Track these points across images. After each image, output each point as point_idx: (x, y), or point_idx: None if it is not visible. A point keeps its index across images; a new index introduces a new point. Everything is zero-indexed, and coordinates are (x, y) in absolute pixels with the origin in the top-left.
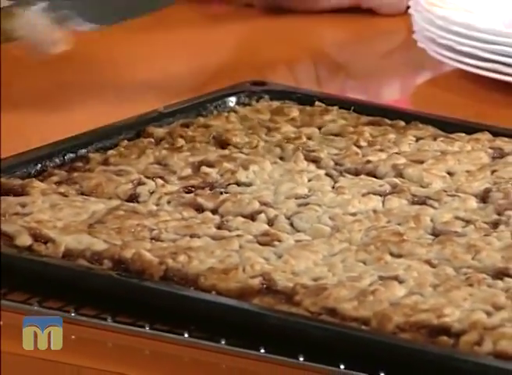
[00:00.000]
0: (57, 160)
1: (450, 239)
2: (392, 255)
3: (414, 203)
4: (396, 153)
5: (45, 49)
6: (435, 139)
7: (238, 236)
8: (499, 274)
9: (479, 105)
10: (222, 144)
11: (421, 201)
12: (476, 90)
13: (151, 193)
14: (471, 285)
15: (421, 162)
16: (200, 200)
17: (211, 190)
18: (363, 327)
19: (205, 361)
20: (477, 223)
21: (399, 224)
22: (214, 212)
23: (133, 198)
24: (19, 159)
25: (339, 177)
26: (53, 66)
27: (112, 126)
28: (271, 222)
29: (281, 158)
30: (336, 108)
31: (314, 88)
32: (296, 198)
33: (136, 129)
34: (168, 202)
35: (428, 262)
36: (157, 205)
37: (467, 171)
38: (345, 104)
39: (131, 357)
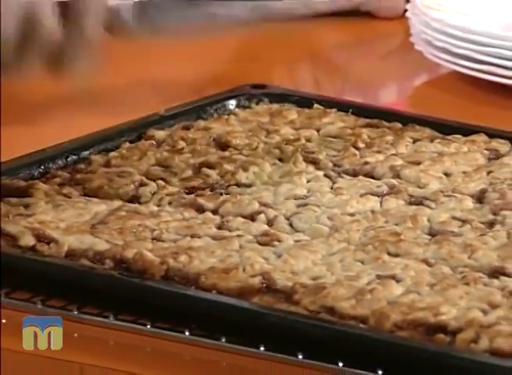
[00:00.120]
0: (60, 162)
1: (447, 239)
2: (389, 254)
3: (411, 203)
4: (394, 154)
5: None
6: (431, 141)
7: (238, 236)
8: (495, 273)
9: (475, 106)
10: (223, 146)
11: (418, 202)
12: (472, 92)
13: (153, 194)
14: (467, 284)
15: (418, 164)
16: (200, 201)
17: (211, 191)
18: (361, 325)
19: (206, 359)
20: (473, 222)
21: (396, 224)
22: (214, 212)
23: (134, 199)
24: (22, 161)
25: (338, 178)
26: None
27: (113, 129)
28: (270, 222)
29: (280, 160)
30: (334, 110)
31: (312, 91)
32: (295, 199)
33: (138, 131)
34: (170, 203)
35: (425, 262)
36: (158, 205)
37: (464, 172)
38: (343, 106)
39: (133, 355)
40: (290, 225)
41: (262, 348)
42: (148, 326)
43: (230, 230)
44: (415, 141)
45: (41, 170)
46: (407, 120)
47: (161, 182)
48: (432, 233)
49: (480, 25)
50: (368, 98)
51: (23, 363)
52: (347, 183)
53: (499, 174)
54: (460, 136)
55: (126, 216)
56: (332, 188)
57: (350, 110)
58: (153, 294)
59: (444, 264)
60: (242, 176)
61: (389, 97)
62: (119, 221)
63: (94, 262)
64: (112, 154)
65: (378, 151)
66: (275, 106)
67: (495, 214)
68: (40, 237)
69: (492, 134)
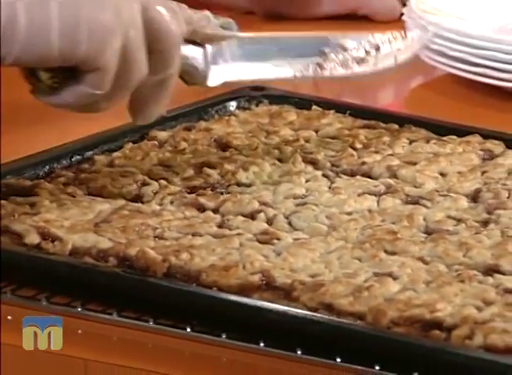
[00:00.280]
0: (64, 162)
1: (442, 237)
2: (386, 252)
3: (407, 203)
4: (391, 155)
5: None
6: (427, 141)
7: (238, 234)
8: (489, 271)
9: (470, 108)
10: (223, 146)
11: (415, 201)
12: (467, 94)
13: (155, 193)
14: (462, 281)
15: (415, 164)
16: (201, 200)
17: (212, 190)
18: (358, 322)
19: (207, 354)
20: (468, 221)
21: (393, 223)
22: (215, 211)
23: (137, 198)
24: (27, 162)
25: (336, 178)
26: None
27: (117, 130)
28: (270, 221)
29: (279, 160)
30: (332, 112)
31: (311, 93)
32: (294, 198)
33: (141, 132)
34: (171, 202)
35: (421, 259)
36: (160, 204)
37: (459, 172)
38: (341, 108)
39: (135, 350)
40: (289, 224)
41: (262, 344)
42: (151, 323)
43: (230, 229)
44: (411, 141)
45: (46, 170)
46: (403, 122)
47: (163, 182)
48: (428, 232)
49: (475, 28)
50: (365, 100)
51: (27, 359)
52: (345, 182)
53: (494, 174)
54: (455, 137)
55: (129, 215)
56: (330, 188)
57: (348, 112)
58: (155, 291)
59: (440, 262)
60: (242, 176)
61: (385, 99)
62: (122, 220)
63: (98, 260)
64: (116, 154)
65: (376, 152)
66: (275, 108)
67: (489, 213)
68: (45, 236)
69: (487, 135)
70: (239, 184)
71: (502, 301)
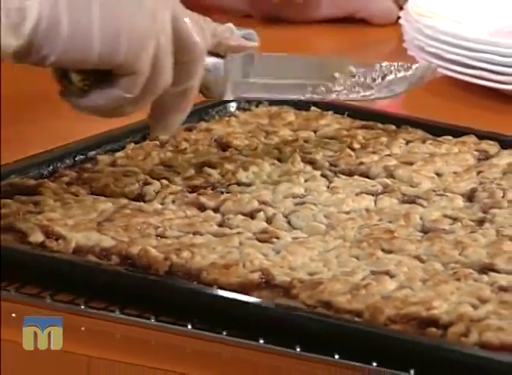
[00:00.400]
0: (67, 162)
1: (438, 236)
2: (383, 251)
3: (404, 202)
4: (388, 155)
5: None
6: (424, 142)
7: (238, 233)
8: (485, 269)
9: (466, 109)
10: (223, 146)
11: (411, 201)
12: (463, 95)
13: (157, 193)
14: (458, 279)
15: (411, 164)
16: (202, 199)
17: (212, 190)
18: (356, 319)
19: (208, 351)
20: (463, 220)
21: (390, 222)
22: (215, 210)
23: (139, 197)
24: (31, 161)
25: (334, 178)
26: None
27: (119, 130)
28: (269, 220)
29: (279, 160)
30: (330, 112)
31: None
32: (293, 198)
33: (143, 132)
34: (173, 201)
35: (418, 258)
36: (162, 204)
37: (455, 172)
38: (339, 109)
39: (138, 347)
40: (288, 223)
41: (261, 341)
42: (153, 320)
43: (231, 228)
44: (408, 142)
45: (50, 170)
46: (400, 122)
47: (164, 181)
48: (424, 231)
49: (471, 31)
50: (362, 101)
51: (30, 356)
52: (343, 182)
53: (489, 174)
54: (451, 137)
55: (131, 214)
56: (328, 187)
57: (346, 113)
58: (157, 289)
59: (436, 260)
60: (242, 176)
61: (383, 100)
62: (124, 218)
63: (101, 258)
64: (118, 154)
65: (373, 152)
66: (274, 108)
67: (484, 212)
68: (49, 234)
69: (482, 136)
70: (239, 184)
71: (497, 299)
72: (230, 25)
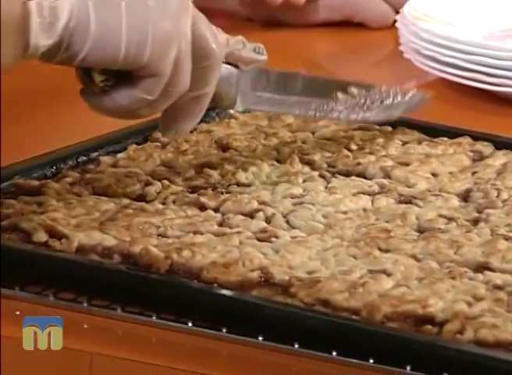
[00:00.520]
0: (70, 163)
1: (434, 235)
2: (380, 250)
3: (400, 202)
4: (384, 156)
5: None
6: (419, 143)
7: (238, 233)
8: (480, 268)
9: (461, 111)
10: (224, 147)
11: (407, 201)
12: (458, 97)
13: (158, 193)
14: (453, 278)
15: (407, 165)
16: (203, 199)
17: (213, 190)
18: (353, 317)
19: (208, 348)
20: (459, 220)
21: (387, 222)
22: (216, 210)
23: (141, 197)
24: (35, 162)
25: (332, 178)
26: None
27: (121, 132)
28: (268, 220)
29: (278, 161)
30: None
31: None
32: (291, 198)
33: (144, 134)
34: (174, 201)
35: (414, 257)
36: (163, 204)
37: (450, 172)
38: None
39: (139, 344)
40: (287, 222)
41: (261, 338)
42: (154, 318)
43: (230, 227)
44: (404, 143)
45: (53, 170)
46: (396, 124)
47: (165, 181)
48: (420, 230)
49: (465, 35)
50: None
51: (33, 353)
52: (341, 182)
53: (483, 175)
54: (446, 139)
55: (133, 214)
56: (326, 188)
57: None
58: (158, 287)
59: (432, 259)
60: (242, 177)
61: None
62: (126, 218)
63: (103, 257)
64: (120, 155)
65: (370, 153)
66: None
67: (479, 212)
68: (52, 233)
69: (477, 137)
70: (238, 184)
71: (491, 297)
72: (241, 37)
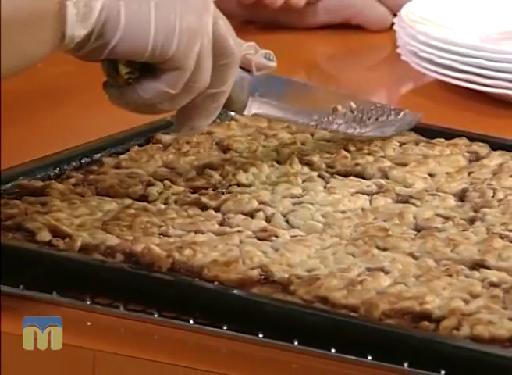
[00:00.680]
0: (74, 164)
1: (431, 234)
2: (378, 248)
3: (398, 202)
4: (382, 157)
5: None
6: (417, 144)
7: (238, 232)
8: (476, 266)
9: (457, 112)
10: (224, 149)
11: (405, 200)
12: (454, 99)
13: (160, 193)
14: (450, 275)
15: (405, 165)
16: (204, 199)
17: (214, 190)
18: (352, 314)
19: (208, 345)
20: (455, 219)
21: (384, 221)
22: (216, 210)
23: (143, 197)
24: (39, 163)
25: (331, 179)
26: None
27: (123, 134)
28: (268, 219)
29: (277, 162)
30: None
31: None
32: (291, 198)
33: (146, 136)
34: (175, 201)
35: (411, 255)
36: (165, 204)
37: (447, 173)
38: None
39: (142, 341)
40: (287, 222)
41: (261, 335)
42: (156, 315)
43: (231, 227)
44: (402, 144)
45: (57, 171)
46: None
47: (167, 182)
48: (418, 229)
49: (461, 37)
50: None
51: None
52: (339, 183)
53: (480, 175)
54: (443, 140)
55: (135, 214)
56: (325, 188)
57: None
58: (160, 285)
59: (429, 257)
60: (242, 177)
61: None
62: (128, 218)
63: (106, 256)
64: (123, 156)
65: (368, 154)
66: None
67: (475, 211)
68: (56, 233)
69: (473, 138)
70: (239, 185)
71: (487, 294)
72: (253, 44)
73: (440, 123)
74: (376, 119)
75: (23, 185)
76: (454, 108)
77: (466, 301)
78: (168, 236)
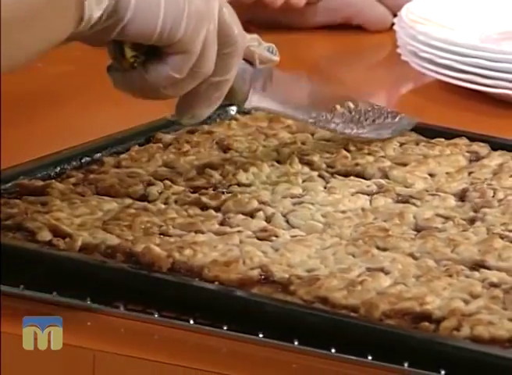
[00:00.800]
0: (74, 163)
1: (431, 234)
2: (378, 248)
3: (398, 202)
4: (382, 157)
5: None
6: (417, 144)
7: (239, 232)
8: (476, 266)
9: (457, 112)
10: (224, 148)
11: (405, 200)
12: (454, 99)
13: (160, 193)
14: (450, 276)
15: (405, 165)
16: (204, 199)
17: (214, 190)
18: (352, 314)
19: (209, 345)
20: (455, 219)
21: (384, 221)
22: (216, 210)
23: (143, 197)
24: (39, 163)
25: (331, 179)
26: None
27: (124, 133)
28: (268, 219)
29: (278, 162)
30: None
31: None
32: (291, 198)
33: (146, 135)
34: (175, 201)
35: (411, 255)
36: (165, 203)
37: (447, 173)
38: None
39: (142, 342)
40: (287, 221)
41: (261, 335)
42: (156, 315)
43: (231, 226)
44: (402, 144)
45: (57, 171)
46: None
47: (167, 182)
48: (418, 229)
49: (462, 37)
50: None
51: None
52: (339, 183)
53: (480, 175)
54: (443, 139)
55: (136, 213)
56: (325, 188)
57: None
58: (160, 285)
59: (429, 257)
60: (242, 177)
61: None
62: (128, 218)
63: (106, 256)
64: (123, 156)
65: (368, 154)
66: None
67: (475, 211)
68: (56, 233)
69: (473, 138)
70: (239, 184)
71: (487, 294)
72: (256, 36)
73: (440, 123)
74: (373, 120)
75: (23, 185)
76: (454, 108)
77: (466, 302)
78: (169, 236)
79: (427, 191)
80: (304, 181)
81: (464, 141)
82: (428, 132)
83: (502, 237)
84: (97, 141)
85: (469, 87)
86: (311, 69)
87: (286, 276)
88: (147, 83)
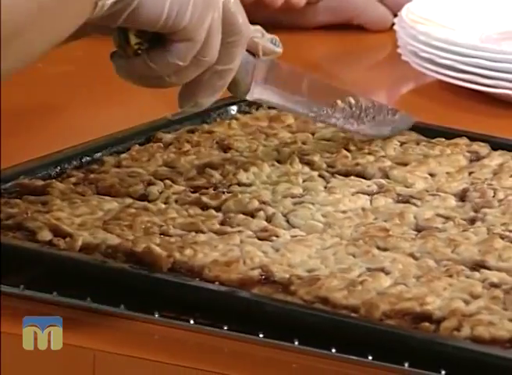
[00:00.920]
0: (75, 163)
1: (432, 234)
2: (379, 248)
3: (398, 202)
4: (383, 156)
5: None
6: (417, 144)
7: (239, 232)
8: (476, 266)
9: (458, 112)
10: (225, 148)
11: (405, 200)
12: (455, 99)
13: (160, 192)
14: (450, 276)
15: (405, 165)
16: (204, 199)
17: (214, 190)
18: (352, 314)
19: (209, 345)
20: (456, 219)
21: (385, 221)
22: (217, 209)
23: (143, 197)
24: (40, 162)
25: (331, 178)
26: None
27: (124, 132)
28: (269, 219)
29: (278, 161)
30: None
31: None
32: (292, 197)
33: (147, 135)
34: (176, 201)
35: (412, 255)
36: (165, 203)
37: (447, 173)
38: None
39: (142, 341)
40: (287, 221)
41: (261, 335)
42: (156, 315)
43: (232, 226)
44: (402, 144)
45: (57, 170)
46: None
47: (168, 181)
48: (418, 229)
49: (462, 37)
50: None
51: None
52: (340, 182)
53: (480, 175)
54: (443, 139)
55: (136, 213)
56: (325, 187)
57: None
58: (160, 285)
59: (429, 258)
60: (243, 177)
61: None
62: (129, 217)
63: (106, 256)
64: (123, 155)
65: (369, 154)
66: (274, 112)
67: (476, 211)
68: (57, 232)
69: (473, 138)
70: (239, 184)
71: (488, 294)
72: (260, 27)
73: (440, 122)
74: (373, 117)
75: (23, 184)
76: (455, 108)
77: (466, 302)
78: (169, 236)
79: (427, 191)
80: (304, 181)
81: (464, 140)
82: (428, 132)
83: (502, 237)
84: (97, 141)
85: (469, 87)
86: (312, 69)
87: (287, 276)
88: (150, 70)
